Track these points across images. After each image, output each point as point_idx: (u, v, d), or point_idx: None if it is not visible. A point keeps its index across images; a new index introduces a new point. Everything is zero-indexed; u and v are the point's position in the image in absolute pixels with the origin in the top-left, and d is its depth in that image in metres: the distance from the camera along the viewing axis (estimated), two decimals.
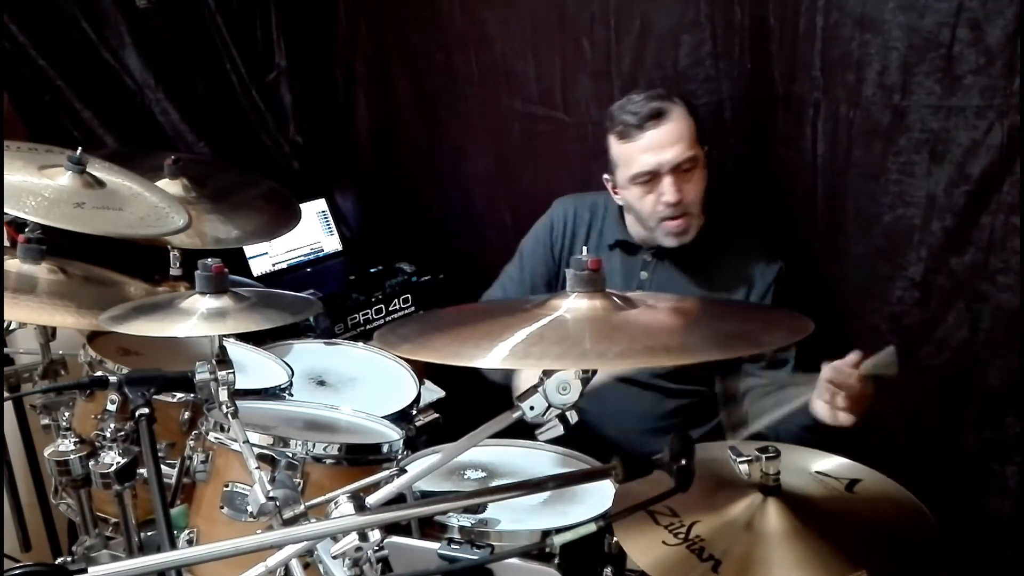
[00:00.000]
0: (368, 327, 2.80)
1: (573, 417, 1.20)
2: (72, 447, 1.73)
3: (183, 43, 2.88)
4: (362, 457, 1.66)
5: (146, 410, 1.53)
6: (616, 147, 2.00)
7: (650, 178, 1.96)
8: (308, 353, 2.26)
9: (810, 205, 2.05)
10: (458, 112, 2.81)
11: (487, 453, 1.85)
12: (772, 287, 2.02)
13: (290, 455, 1.57)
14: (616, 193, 2.08)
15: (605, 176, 2.09)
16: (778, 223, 2.15)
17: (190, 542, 1.63)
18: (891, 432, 2.04)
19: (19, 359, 2.20)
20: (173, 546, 1.46)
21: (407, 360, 2.14)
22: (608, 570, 1.43)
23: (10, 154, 1.90)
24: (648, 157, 1.95)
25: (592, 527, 1.22)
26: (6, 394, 2.06)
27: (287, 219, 2.46)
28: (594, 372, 1.18)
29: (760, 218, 2.17)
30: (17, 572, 0.86)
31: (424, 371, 2.19)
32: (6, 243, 2.09)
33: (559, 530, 1.30)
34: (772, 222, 2.16)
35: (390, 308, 2.88)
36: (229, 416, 1.47)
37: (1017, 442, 1.84)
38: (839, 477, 1.36)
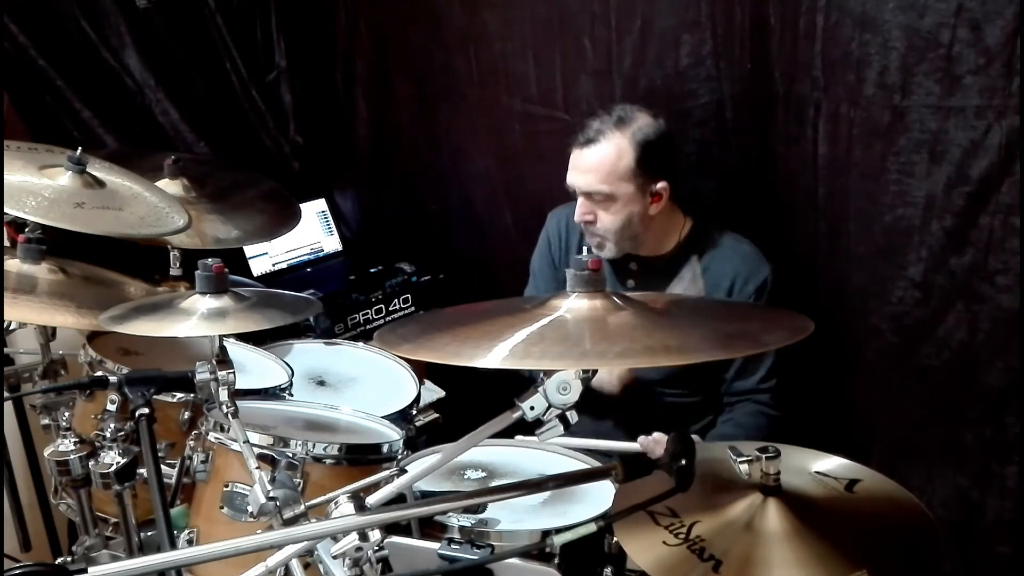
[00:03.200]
0: (368, 327, 2.80)
1: (573, 417, 1.20)
2: (72, 447, 1.73)
3: (183, 43, 2.88)
4: (362, 457, 1.67)
5: (146, 410, 1.53)
6: None
7: (572, 190, 2.04)
8: (308, 353, 2.26)
9: (810, 205, 2.05)
10: (458, 112, 2.81)
11: (487, 453, 1.85)
12: (755, 295, 2.01)
13: (290, 455, 1.57)
14: None
15: None
16: (778, 223, 2.15)
17: (190, 542, 1.63)
18: (891, 432, 2.04)
19: (19, 359, 2.20)
20: (173, 546, 1.47)
21: (407, 360, 2.14)
22: (608, 570, 1.43)
23: (10, 154, 1.89)
24: (570, 174, 2.03)
25: (592, 527, 1.21)
26: (6, 394, 2.06)
27: (287, 219, 2.46)
28: (594, 372, 1.18)
29: (759, 218, 2.17)
30: (17, 572, 0.86)
31: (424, 371, 2.19)
32: (6, 243, 2.09)
33: (559, 530, 1.30)
34: (772, 222, 2.16)
35: (390, 308, 2.88)
36: (229, 416, 1.47)
37: (1017, 442, 1.84)
38: (839, 477, 1.36)
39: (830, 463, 1.40)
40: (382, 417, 1.89)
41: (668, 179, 2.00)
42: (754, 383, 2.03)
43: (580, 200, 2.03)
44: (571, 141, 2.03)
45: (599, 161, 1.97)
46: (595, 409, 2.05)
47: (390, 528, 1.30)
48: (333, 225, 3.15)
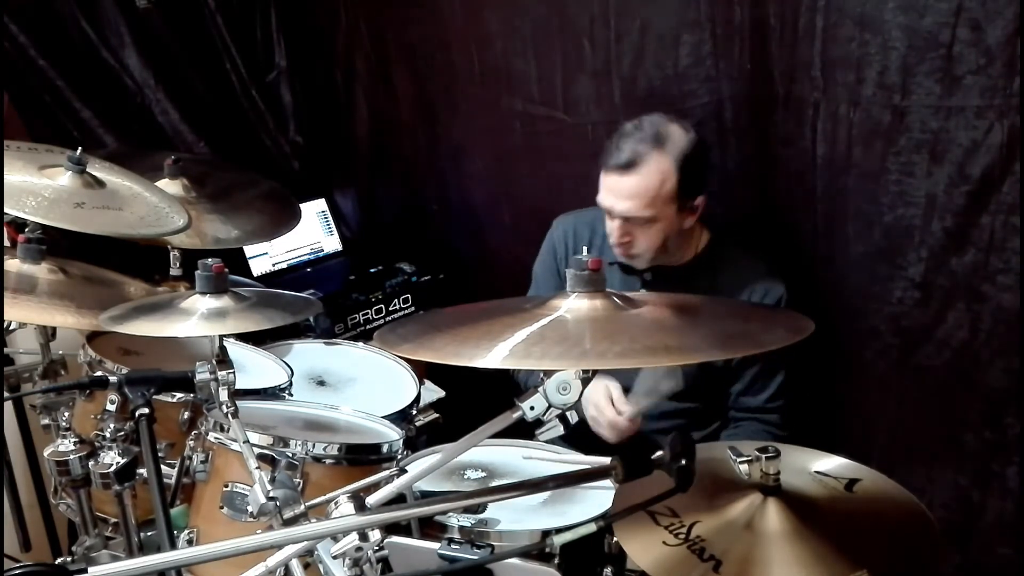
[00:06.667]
0: (368, 327, 2.80)
1: (573, 417, 1.20)
2: (72, 447, 1.73)
3: (183, 43, 2.88)
4: (362, 457, 1.66)
5: (146, 410, 1.53)
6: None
7: (608, 211, 1.98)
8: (308, 353, 2.26)
9: (810, 206, 2.05)
10: (458, 112, 2.81)
11: (487, 453, 1.85)
12: None
13: (290, 455, 1.57)
14: None
15: None
16: (778, 224, 2.15)
17: (190, 542, 1.63)
18: (891, 432, 2.04)
19: (19, 359, 2.20)
20: (173, 546, 1.46)
21: (407, 360, 2.14)
22: (608, 570, 1.43)
23: (10, 154, 1.89)
24: (605, 196, 1.97)
25: (592, 527, 1.21)
26: (6, 394, 2.06)
27: (287, 219, 2.46)
28: (594, 372, 1.18)
29: (758, 219, 2.17)
30: (17, 572, 0.86)
31: (424, 371, 2.19)
32: (6, 243, 2.09)
33: (559, 530, 1.30)
34: (771, 223, 2.15)
35: (390, 308, 2.88)
36: (229, 416, 1.47)
37: (1017, 442, 1.84)
38: (838, 477, 1.36)
39: (830, 463, 1.40)
40: (382, 417, 1.89)
41: (704, 192, 1.98)
42: (762, 401, 2.02)
43: (618, 223, 1.96)
44: (602, 162, 1.95)
45: (643, 188, 1.90)
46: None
47: (390, 528, 1.30)
48: (333, 225, 3.15)
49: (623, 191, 1.92)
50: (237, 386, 1.50)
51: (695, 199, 1.97)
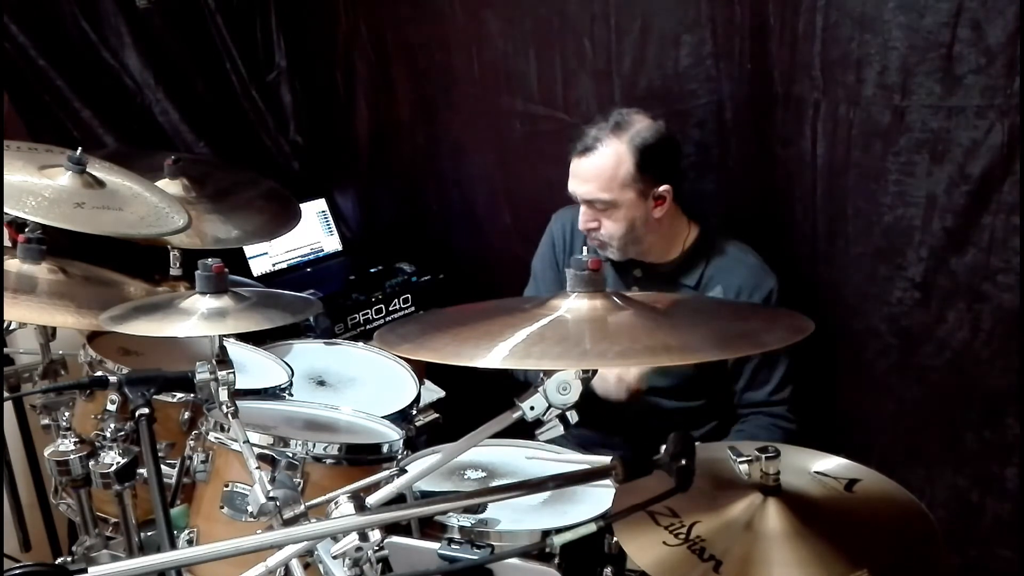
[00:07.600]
0: (368, 327, 2.80)
1: (573, 417, 1.20)
2: (72, 447, 1.73)
3: (183, 43, 2.88)
4: (362, 457, 1.67)
5: (146, 410, 1.53)
6: None
7: (575, 198, 2.04)
8: (308, 353, 2.26)
9: (810, 205, 2.05)
10: (458, 112, 2.81)
11: (487, 453, 1.85)
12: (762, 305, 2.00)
13: (290, 455, 1.58)
14: None
15: None
16: (778, 224, 2.15)
17: (190, 542, 1.63)
18: (891, 432, 2.04)
19: (19, 359, 2.20)
20: (173, 546, 1.46)
21: (407, 360, 2.14)
22: (608, 570, 1.43)
23: (10, 154, 1.90)
24: (570, 181, 2.03)
25: (592, 527, 1.21)
26: (6, 394, 2.06)
27: (287, 219, 2.46)
28: (594, 372, 1.18)
29: (757, 220, 2.17)
30: (17, 572, 0.86)
31: (424, 371, 2.19)
32: (6, 243, 2.09)
33: (559, 530, 1.30)
34: (771, 223, 2.15)
35: (390, 308, 2.88)
36: (229, 416, 1.47)
37: (1017, 443, 1.84)
38: (838, 477, 1.36)
39: (829, 463, 1.40)
40: (382, 417, 1.89)
41: (670, 182, 2.00)
42: (765, 394, 2.02)
43: (583, 208, 2.02)
44: (570, 149, 2.02)
45: (598, 169, 1.96)
46: (597, 415, 2.04)
47: (390, 528, 1.30)
48: (333, 225, 3.15)
49: (581, 174, 2.00)
50: (237, 386, 1.50)
51: (658, 187, 1.98)
